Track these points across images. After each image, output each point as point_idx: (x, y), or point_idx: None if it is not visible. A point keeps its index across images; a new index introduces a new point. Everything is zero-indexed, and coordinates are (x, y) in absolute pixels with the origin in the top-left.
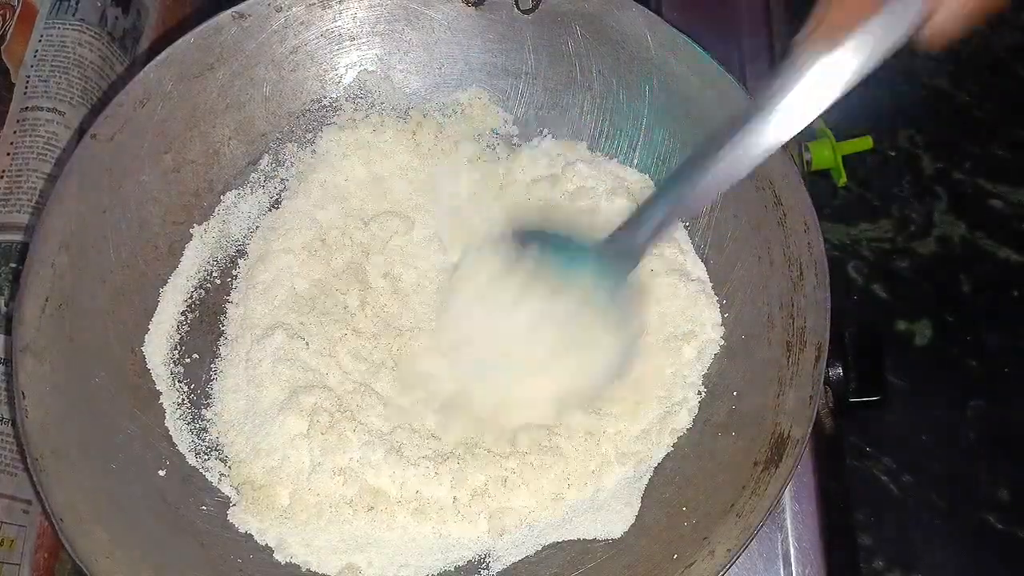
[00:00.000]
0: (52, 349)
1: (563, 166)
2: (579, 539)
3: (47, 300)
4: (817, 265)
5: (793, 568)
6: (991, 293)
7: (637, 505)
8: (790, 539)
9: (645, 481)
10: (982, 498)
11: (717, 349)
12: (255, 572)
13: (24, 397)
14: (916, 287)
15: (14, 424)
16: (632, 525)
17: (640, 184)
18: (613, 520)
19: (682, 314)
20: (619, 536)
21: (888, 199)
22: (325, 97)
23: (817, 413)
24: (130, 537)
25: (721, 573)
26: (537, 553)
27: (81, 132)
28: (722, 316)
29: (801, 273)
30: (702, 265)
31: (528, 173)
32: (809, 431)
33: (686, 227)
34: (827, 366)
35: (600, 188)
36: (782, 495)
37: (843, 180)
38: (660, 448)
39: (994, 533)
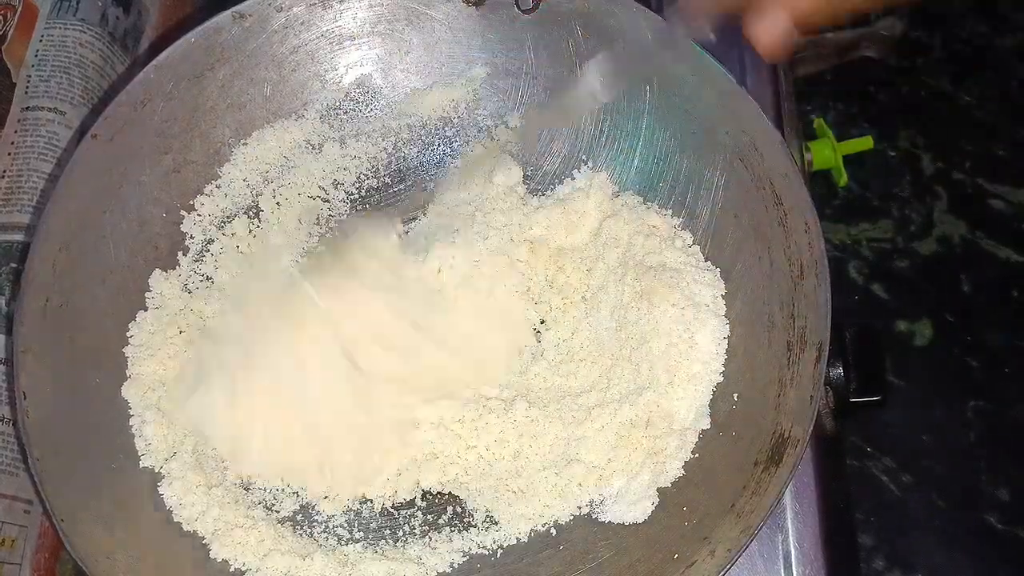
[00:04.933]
0: (52, 349)
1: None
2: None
3: (47, 300)
4: (817, 265)
5: (793, 568)
6: (991, 293)
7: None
8: (790, 539)
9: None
10: (982, 498)
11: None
12: None
13: (25, 398)
14: (916, 287)
15: (15, 424)
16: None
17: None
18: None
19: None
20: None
21: (888, 199)
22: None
23: (817, 413)
24: (130, 537)
25: (721, 573)
26: (537, 551)
27: (82, 132)
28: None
29: (801, 273)
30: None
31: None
32: (809, 431)
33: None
34: (827, 366)
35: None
36: (782, 495)
37: (844, 180)
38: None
39: (994, 533)
